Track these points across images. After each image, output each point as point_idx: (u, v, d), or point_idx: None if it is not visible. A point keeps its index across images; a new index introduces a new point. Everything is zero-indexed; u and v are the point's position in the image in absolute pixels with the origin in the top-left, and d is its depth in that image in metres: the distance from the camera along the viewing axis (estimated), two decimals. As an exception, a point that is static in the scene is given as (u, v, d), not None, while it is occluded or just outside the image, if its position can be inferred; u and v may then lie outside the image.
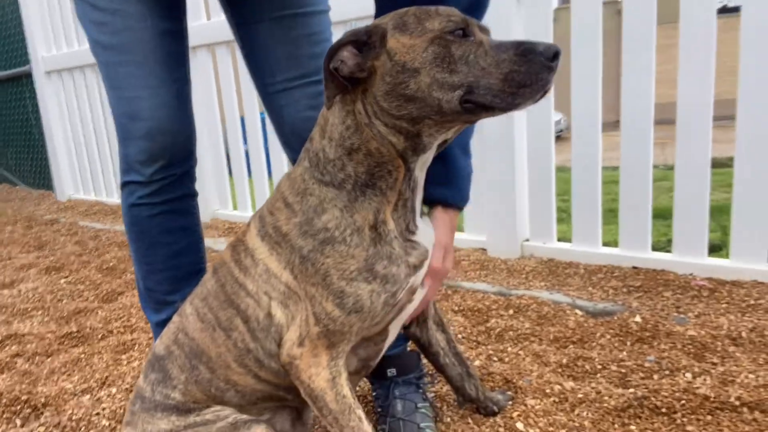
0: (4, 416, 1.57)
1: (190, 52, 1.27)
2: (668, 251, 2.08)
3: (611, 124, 2.08)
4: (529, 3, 2.16)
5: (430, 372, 1.47)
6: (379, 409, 1.27)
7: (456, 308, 1.95)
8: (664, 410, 1.28)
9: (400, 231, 0.92)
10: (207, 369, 0.97)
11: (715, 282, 1.91)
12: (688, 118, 1.92)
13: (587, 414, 1.30)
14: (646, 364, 1.47)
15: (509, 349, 1.64)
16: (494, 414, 1.32)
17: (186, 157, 1.24)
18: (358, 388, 1.50)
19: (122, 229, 3.68)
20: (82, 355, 1.93)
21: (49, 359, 1.95)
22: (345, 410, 0.91)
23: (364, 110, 0.85)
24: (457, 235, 2.56)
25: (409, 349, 1.34)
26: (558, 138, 2.48)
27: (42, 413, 1.58)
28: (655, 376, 1.41)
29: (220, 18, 3.22)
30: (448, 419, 1.33)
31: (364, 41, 0.83)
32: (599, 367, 1.49)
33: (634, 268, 2.08)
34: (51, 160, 5.05)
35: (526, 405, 1.34)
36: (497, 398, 1.35)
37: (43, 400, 1.64)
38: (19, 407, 1.61)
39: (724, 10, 2.29)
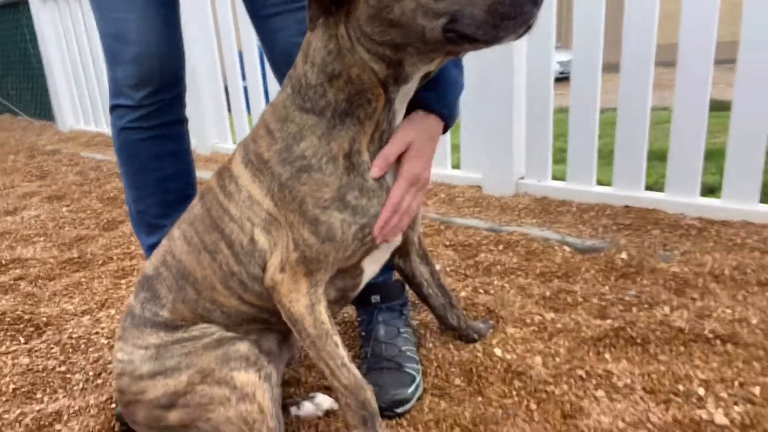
0: (8, 334, 1.64)
1: None
2: (661, 192, 2.08)
3: (614, 66, 2.03)
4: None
5: (414, 301, 1.51)
6: (363, 333, 1.33)
7: (447, 242, 1.99)
8: (638, 341, 1.32)
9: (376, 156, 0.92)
10: (193, 290, 1.01)
11: (704, 221, 1.92)
12: (689, 59, 1.88)
13: (564, 342, 1.35)
14: (626, 298, 1.51)
15: (495, 281, 1.68)
16: (474, 341, 1.37)
17: (175, 82, 1.23)
18: (345, 314, 1.55)
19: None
20: (83, 279, 1.99)
21: (51, 282, 2.01)
22: (322, 335, 0.95)
23: (347, 34, 0.83)
24: (453, 171, 2.57)
25: (394, 278, 1.38)
26: (564, 79, 2.42)
27: (44, 332, 1.65)
28: (634, 309, 1.46)
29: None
30: (430, 344, 1.39)
31: None
32: (580, 300, 1.53)
33: (626, 207, 2.09)
34: (51, 90, 5.01)
35: (505, 333, 1.39)
36: (479, 327, 1.39)
37: (45, 319, 1.70)
38: (22, 326, 1.68)
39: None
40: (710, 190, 2.26)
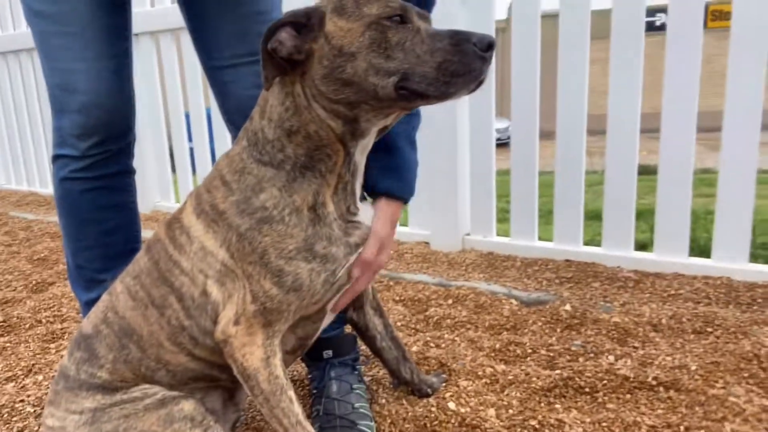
0: None
1: (132, 40, 1.24)
2: (599, 246, 2.18)
3: (550, 134, 2.17)
4: (473, 4, 2.22)
5: (366, 355, 1.48)
6: (315, 391, 1.28)
7: (397, 298, 1.99)
8: (587, 390, 1.34)
9: (340, 213, 0.93)
10: (137, 348, 0.95)
11: (640, 274, 2.02)
12: (617, 128, 2.04)
13: (516, 394, 1.35)
14: (573, 348, 1.54)
15: (446, 335, 1.68)
16: (428, 395, 1.35)
17: (123, 133, 1.21)
18: (294, 372, 1.50)
19: (56, 220, 3.54)
20: (8, 344, 1.85)
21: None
22: (276, 391, 0.91)
23: (303, 93, 0.85)
24: (402, 228, 2.61)
25: (346, 332, 1.36)
26: (506, 144, 2.55)
27: (-39, 401, 1.51)
28: (581, 359, 1.49)
29: (164, 5, 3.15)
30: (383, 400, 1.35)
31: (303, 23, 0.83)
32: (529, 351, 1.55)
33: (567, 261, 2.17)
34: (-20, 148, 4.79)
35: (458, 386, 1.38)
36: (431, 381, 1.38)
37: (-37, 388, 1.56)
38: (-65, 396, 1.53)
39: (651, 28, 2.43)
40: (642, 246, 2.39)
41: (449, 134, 2.31)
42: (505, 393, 1.36)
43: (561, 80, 2.10)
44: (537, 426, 1.22)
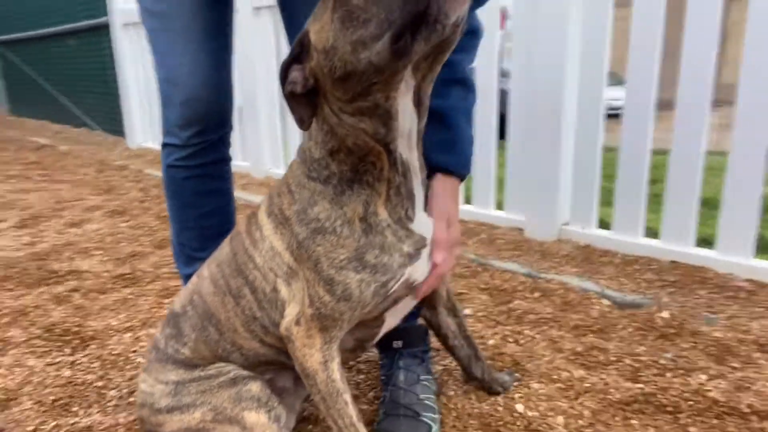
0: (57, 345, 1.75)
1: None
2: (711, 245, 2.00)
3: (671, 103, 1.96)
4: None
5: (437, 349, 1.50)
6: (383, 378, 1.33)
7: (482, 286, 1.97)
8: (669, 409, 1.27)
9: (397, 218, 0.92)
10: (216, 330, 1.04)
11: (756, 284, 1.83)
12: (750, 99, 1.80)
13: (590, 403, 1.30)
14: (662, 362, 1.45)
15: (526, 331, 1.65)
16: (498, 394, 1.35)
17: (220, 124, 1.30)
18: (370, 353, 1.56)
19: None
20: (131, 296, 2.09)
21: (102, 296, 2.12)
22: (333, 393, 0.95)
23: (331, 110, 0.85)
24: (496, 212, 2.56)
25: (418, 323, 1.38)
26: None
27: (88, 345, 1.74)
28: (668, 374, 1.40)
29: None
30: (452, 392, 1.37)
31: (299, 51, 0.84)
32: (613, 359, 1.49)
33: (673, 262, 2.01)
34: (124, 108, 5.32)
35: (530, 388, 1.37)
36: (503, 379, 1.37)
37: (90, 333, 1.80)
38: (69, 338, 1.78)
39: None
40: (763, 246, 2.15)
41: (552, 107, 2.20)
42: (579, 401, 1.32)
43: (687, 41, 1.89)
44: (606, 442, 1.18)
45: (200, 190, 1.33)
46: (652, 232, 2.16)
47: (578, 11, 2.11)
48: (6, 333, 1.83)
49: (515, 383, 1.39)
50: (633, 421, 1.25)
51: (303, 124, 0.88)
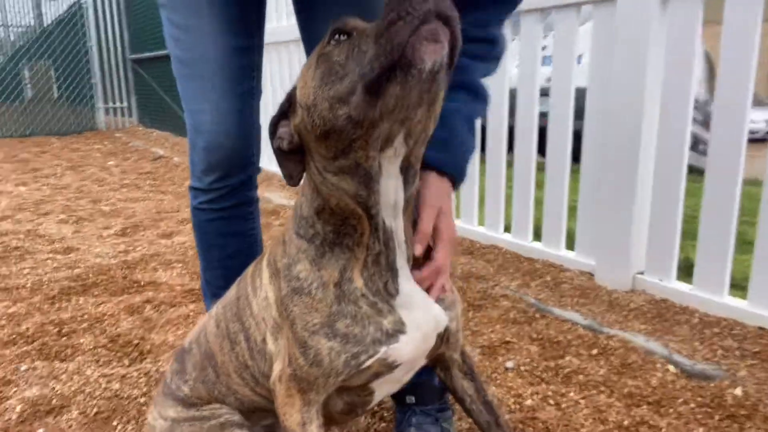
0: (117, 355, 1.88)
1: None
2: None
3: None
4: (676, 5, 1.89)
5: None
6: (396, 432, 1.28)
7: (534, 335, 1.85)
8: None
9: (374, 290, 0.87)
10: (213, 372, 1.06)
11: None
12: None
13: (622, 491, 1.17)
14: (720, 451, 1.27)
15: (571, 394, 1.52)
16: (521, 463, 1.25)
17: (243, 169, 1.32)
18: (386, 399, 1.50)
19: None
20: (192, 312, 2.20)
21: (171, 309, 2.25)
22: None
23: (315, 168, 0.83)
24: (566, 253, 2.40)
25: (434, 381, 1.30)
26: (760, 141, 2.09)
27: (145, 358, 1.86)
28: (725, 468, 1.22)
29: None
30: (471, 457, 1.29)
31: (287, 108, 0.84)
32: (663, 439, 1.32)
33: (761, 329, 1.76)
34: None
35: (557, 463, 1.25)
36: (529, 448, 1.27)
37: (148, 347, 1.92)
38: (130, 349, 1.91)
39: None
40: None
41: (630, 136, 2.03)
42: (610, 486, 1.18)
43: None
44: None
45: (224, 232, 1.37)
46: (741, 287, 1.91)
47: (659, 46, 1.94)
48: (78, 339, 1.99)
49: (543, 455, 1.28)
50: None
51: (291, 179, 0.87)
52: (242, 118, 1.27)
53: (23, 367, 1.80)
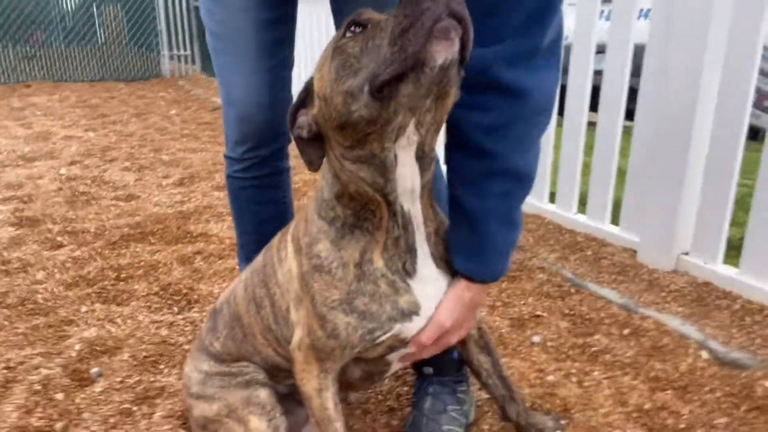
0: (167, 302, 2.02)
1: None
2: None
3: None
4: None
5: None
6: (414, 400, 1.33)
7: (567, 311, 1.85)
8: (727, 503, 1.11)
9: (394, 269, 0.90)
10: (241, 332, 1.14)
11: None
12: None
13: (631, 474, 1.19)
14: (740, 443, 1.26)
15: (595, 373, 1.53)
16: (536, 439, 1.28)
17: (274, 139, 1.36)
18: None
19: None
20: (237, 266, 2.31)
21: (219, 261, 2.38)
22: (325, 419, 0.99)
23: (334, 156, 0.86)
24: (610, 228, 2.34)
25: (452, 354, 1.33)
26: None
27: (192, 308, 1.99)
28: (741, 461, 1.21)
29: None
30: (486, 426, 1.34)
31: (304, 97, 0.86)
32: (683, 426, 1.32)
33: (807, 320, 1.70)
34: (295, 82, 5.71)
35: (570, 440, 1.28)
36: (544, 425, 1.29)
37: (196, 296, 2.05)
38: (179, 298, 2.04)
39: None
40: None
41: (686, 112, 1.92)
42: (620, 468, 1.21)
43: None
44: None
45: (257, 200, 1.43)
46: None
47: (720, 23, 1.80)
48: (134, 286, 2.15)
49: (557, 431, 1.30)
50: (676, 506, 1.11)
51: (312, 165, 0.90)
52: (273, 90, 1.30)
53: (84, 309, 1.97)
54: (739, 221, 2.36)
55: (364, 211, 0.89)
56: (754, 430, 1.31)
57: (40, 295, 2.07)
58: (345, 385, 1.09)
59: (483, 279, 0.96)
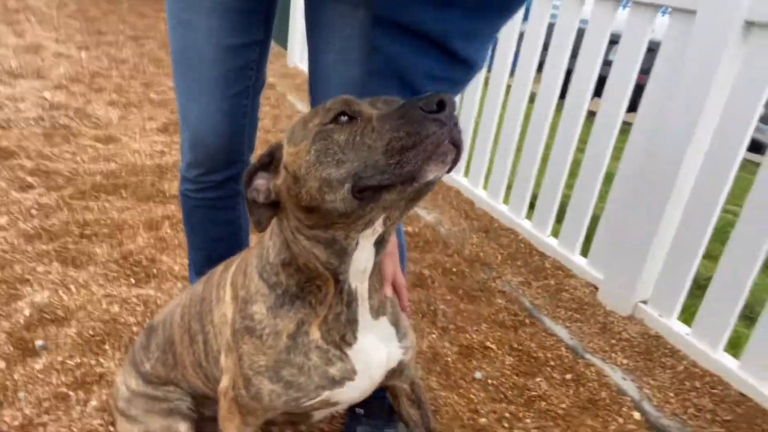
0: (125, 272, 2.00)
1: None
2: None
3: None
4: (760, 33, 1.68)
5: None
6: (343, 433, 1.36)
7: (516, 345, 1.87)
8: None
9: (330, 341, 0.90)
10: (173, 359, 1.13)
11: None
12: None
13: None
14: None
15: (527, 421, 1.56)
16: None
17: (228, 165, 1.31)
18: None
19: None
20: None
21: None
22: None
23: (288, 227, 0.84)
24: (576, 258, 2.34)
25: (383, 397, 1.34)
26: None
27: (149, 283, 1.98)
28: None
29: None
30: (409, 467, 1.37)
31: (268, 162, 0.83)
32: (596, 494, 1.36)
33: (742, 395, 1.73)
34: (291, 23, 5.54)
35: (485, 495, 1.32)
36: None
37: (155, 271, 2.04)
38: (138, 269, 2.03)
39: None
40: None
41: (673, 155, 1.89)
42: None
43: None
44: None
45: (209, 218, 1.39)
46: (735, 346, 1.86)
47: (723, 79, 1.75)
48: (96, 248, 2.13)
49: (476, 481, 1.34)
50: None
51: (260, 226, 0.87)
52: (231, 119, 1.24)
53: (40, 269, 1.96)
54: (712, 253, 2.36)
55: (309, 284, 0.88)
56: (663, 506, 1.35)
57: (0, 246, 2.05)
58: (269, 423, 1.11)
59: None
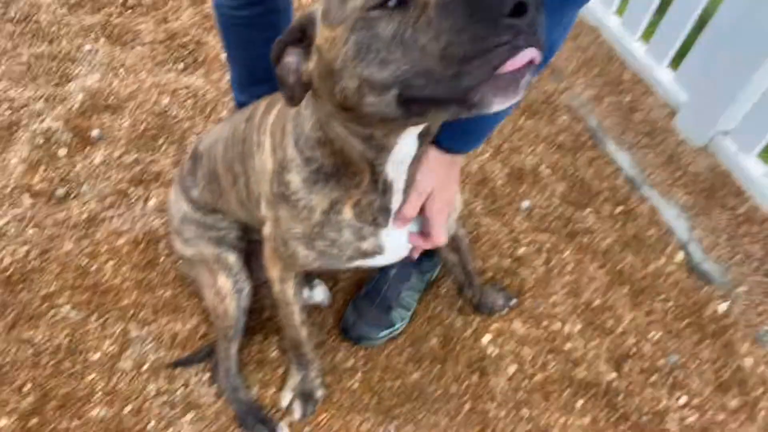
0: (173, 56, 1.93)
1: None
2: None
3: None
4: None
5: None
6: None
7: (571, 171, 1.79)
8: (625, 417, 1.30)
9: (363, 220, 0.87)
10: (218, 189, 1.14)
11: None
12: None
13: (554, 366, 1.35)
14: (661, 362, 1.39)
15: (566, 253, 1.58)
16: (484, 313, 1.41)
17: None
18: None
19: None
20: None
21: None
22: (283, 303, 1.09)
23: (323, 111, 0.75)
24: (663, 71, 2.08)
25: None
26: None
27: (198, 69, 1.91)
28: (650, 384, 1.36)
29: None
30: (444, 290, 1.45)
31: (299, 38, 0.69)
32: (619, 331, 1.44)
33: (799, 248, 1.66)
34: None
35: (511, 323, 1.41)
36: (495, 303, 1.41)
37: (203, 57, 1.95)
38: (186, 53, 1.95)
39: None
40: None
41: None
42: (539, 360, 1.36)
43: None
44: (526, 417, 1.27)
45: (249, 38, 1.24)
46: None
47: None
48: (141, 23, 2.02)
49: (505, 310, 1.43)
50: (577, 404, 1.30)
51: (292, 101, 0.77)
52: None
53: (87, 47, 1.90)
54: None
55: (345, 168, 0.82)
56: (681, 347, 1.43)
57: (43, 16, 1.97)
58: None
59: (459, 151, 0.92)
